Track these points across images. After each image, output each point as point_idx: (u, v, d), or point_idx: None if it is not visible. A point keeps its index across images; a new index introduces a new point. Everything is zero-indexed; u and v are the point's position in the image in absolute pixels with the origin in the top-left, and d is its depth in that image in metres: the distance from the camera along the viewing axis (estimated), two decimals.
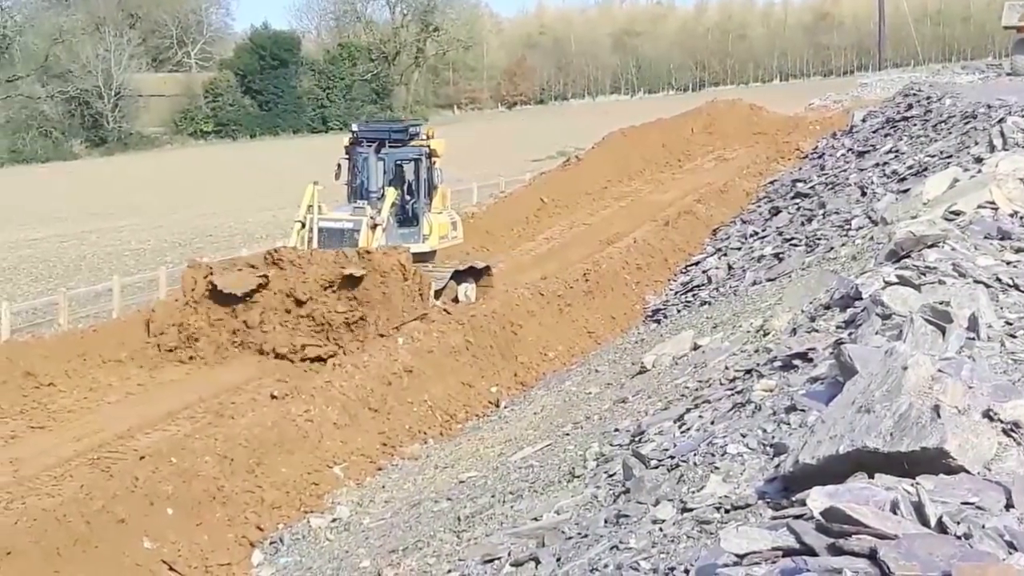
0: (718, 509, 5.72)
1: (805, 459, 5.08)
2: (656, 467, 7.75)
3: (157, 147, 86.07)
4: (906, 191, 14.99)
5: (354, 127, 25.13)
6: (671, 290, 23.88)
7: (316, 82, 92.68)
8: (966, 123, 19.65)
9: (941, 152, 17.67)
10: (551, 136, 62.27)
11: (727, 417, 8.06)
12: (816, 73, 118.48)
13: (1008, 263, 8.58)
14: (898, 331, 6.73)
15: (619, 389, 14.44)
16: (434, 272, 22.99)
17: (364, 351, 19.72)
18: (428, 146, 24.08)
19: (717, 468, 6.52)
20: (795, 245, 18.15)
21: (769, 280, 16.66)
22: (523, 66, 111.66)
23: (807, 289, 12.58)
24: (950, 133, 19.80)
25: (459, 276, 23.59)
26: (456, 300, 23.26)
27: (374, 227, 22.65)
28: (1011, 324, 7.03)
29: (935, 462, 4.64)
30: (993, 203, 10.93)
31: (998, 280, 7.95)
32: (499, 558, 8.57)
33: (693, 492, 6.38)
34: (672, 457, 7.72)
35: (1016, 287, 7.86)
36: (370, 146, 24.14)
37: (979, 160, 14.08)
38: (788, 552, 4.10)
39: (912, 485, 4.38)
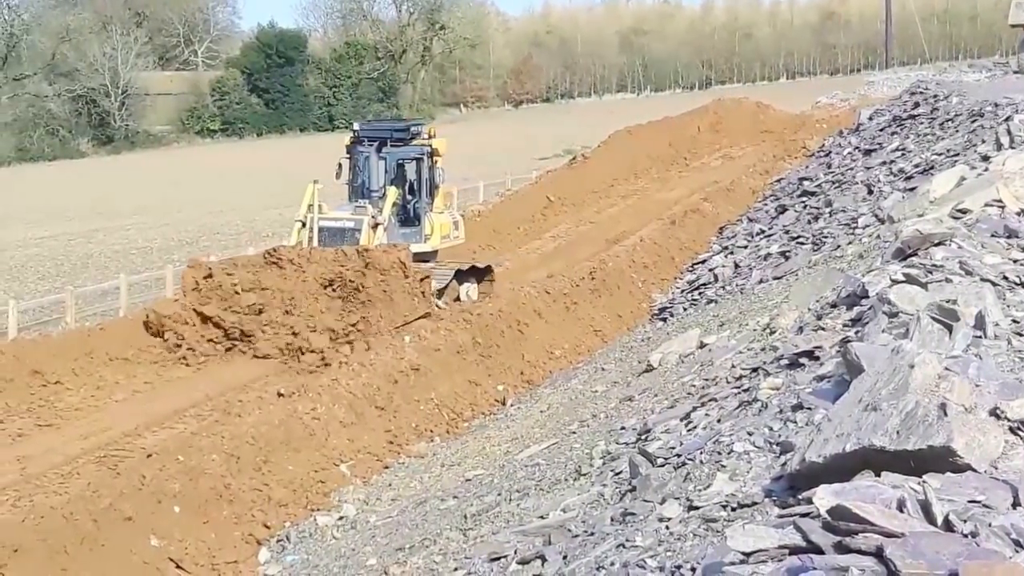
0: (724, 507, 5.71)
1: (812, 457, 5.08)
2: (662, 465, 7.76)
3: (164, 145, 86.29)
4: (913, 189, 14.95)
5: (355, 126, 25.07)
6: (677, 288, 23.81)
7: (323, 80, 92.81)
8: (973, 121, 19.58)
9: (948, 150, 17.62)
10: (557, 135, 62.32)
11: (733, 415, 8.05)
12: (823, 71, 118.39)
13: (1015, 261, 8.55)
14: (905, 329, 6.72)
15: (626, 387, 14.44)
16: (436, 271, 22.97)
17: (371, 349, 19.71)
18: (430, 145, 24.02)
19: (724, 466, 6.51)
20: (802, 243, 18.10)
21: (776, 278, 16.62)
22: (529, 65, 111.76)
23: (814, 287, 12.55)
24: (957, 131, 19.74)
25: (461, 276, 23.60)
26: (458, 299, 23.25)
27: (375, 226, 22.61)
28: (1018, 322, 7.01)
29: (942, 460, 4.64)
30: (1000, 201, 10.89)
31: (1005, 278, 7.93)
32: (505, 556, 8.57)
33: (700, 490, 6.37)
34: (679, 455, 7.72)
35: (1023, 285, 7.84)
36: (371, 145, 24.06)
37: (986, 158, 14.04)
38: (795, 550, 4.11)
39: (919, 483, 4.38)
